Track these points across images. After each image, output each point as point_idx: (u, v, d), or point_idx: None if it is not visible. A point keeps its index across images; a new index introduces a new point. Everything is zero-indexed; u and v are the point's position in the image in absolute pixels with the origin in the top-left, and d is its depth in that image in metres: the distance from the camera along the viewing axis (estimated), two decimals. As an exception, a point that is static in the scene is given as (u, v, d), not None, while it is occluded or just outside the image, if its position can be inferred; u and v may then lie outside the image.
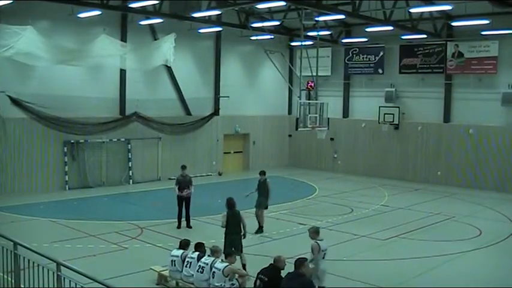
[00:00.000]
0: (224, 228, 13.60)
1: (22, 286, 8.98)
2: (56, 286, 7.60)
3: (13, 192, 22.89)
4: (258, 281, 10.16)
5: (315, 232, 11.72)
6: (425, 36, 26.87)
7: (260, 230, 17.69)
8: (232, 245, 13.21)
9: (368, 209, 21.94)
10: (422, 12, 25.18)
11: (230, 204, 13.78)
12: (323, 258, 11.39)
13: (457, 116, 28.61)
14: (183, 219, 18.14)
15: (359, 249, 16.05)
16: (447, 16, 26.53)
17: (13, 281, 9.06)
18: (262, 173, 18.24)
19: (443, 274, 13.86)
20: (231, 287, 10.74)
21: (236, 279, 10.90)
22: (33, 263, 8.35)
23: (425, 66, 29.21)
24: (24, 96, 22.99)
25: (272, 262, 10.40)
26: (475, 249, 16.18)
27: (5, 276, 9.47)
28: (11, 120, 23.05)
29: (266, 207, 17.89)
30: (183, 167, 18.69)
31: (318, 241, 11.50)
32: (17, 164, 23.31)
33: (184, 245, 12.33)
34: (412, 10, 23.51)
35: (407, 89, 30.39)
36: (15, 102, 22.87)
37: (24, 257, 8.73)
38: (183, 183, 18.16)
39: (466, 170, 27.98)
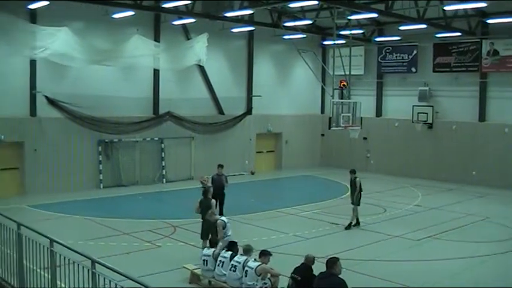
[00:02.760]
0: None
1: (58, 282, 9.13)
2: (90, 283, 7.71)
3: (49, 190, 23.22)
4: (291, 280, 10.18)
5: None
6: (459, 34, 26.51)
7: (355, 224, 18.44)
8: (208, 228, 13.96)
9: (401, 209, 21.75)
10: (457, 10, 24.87)
11: (204, 193, 15.19)
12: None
13: (493, 114, 28.12)
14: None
15: (391, 250, 15.94)
16: (482, 13, 26.13)
17: (49, 277, 9.22)
18: (353, 171, 18.61)
19: (475, 276, 13.67)
20: (263, 286, 10.77)
21: (268, 278, 10.93)
22: (69, 260, 8.49)
23: (459, 64, 28.77)
24: (59, 96, 23.48)
25: (303, 261, 10.44)
26: (508, 251, 15.90)
27: (42, 273, 9.66)
28: (47, 119, 23.51)
29: (357, 204, 18.35)
30: (220, 166, 18.83)
31: (220, 219, 13.29)
32: (52, 163, 23.69)
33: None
34: (446, 8, 23.25)
35: (441, 87, 29.98)
36: (51, 102, 23.39)
37: (60, 254, 8.88)
38: (218, 181, 18.27)
39: (501, 170, 27.38)
